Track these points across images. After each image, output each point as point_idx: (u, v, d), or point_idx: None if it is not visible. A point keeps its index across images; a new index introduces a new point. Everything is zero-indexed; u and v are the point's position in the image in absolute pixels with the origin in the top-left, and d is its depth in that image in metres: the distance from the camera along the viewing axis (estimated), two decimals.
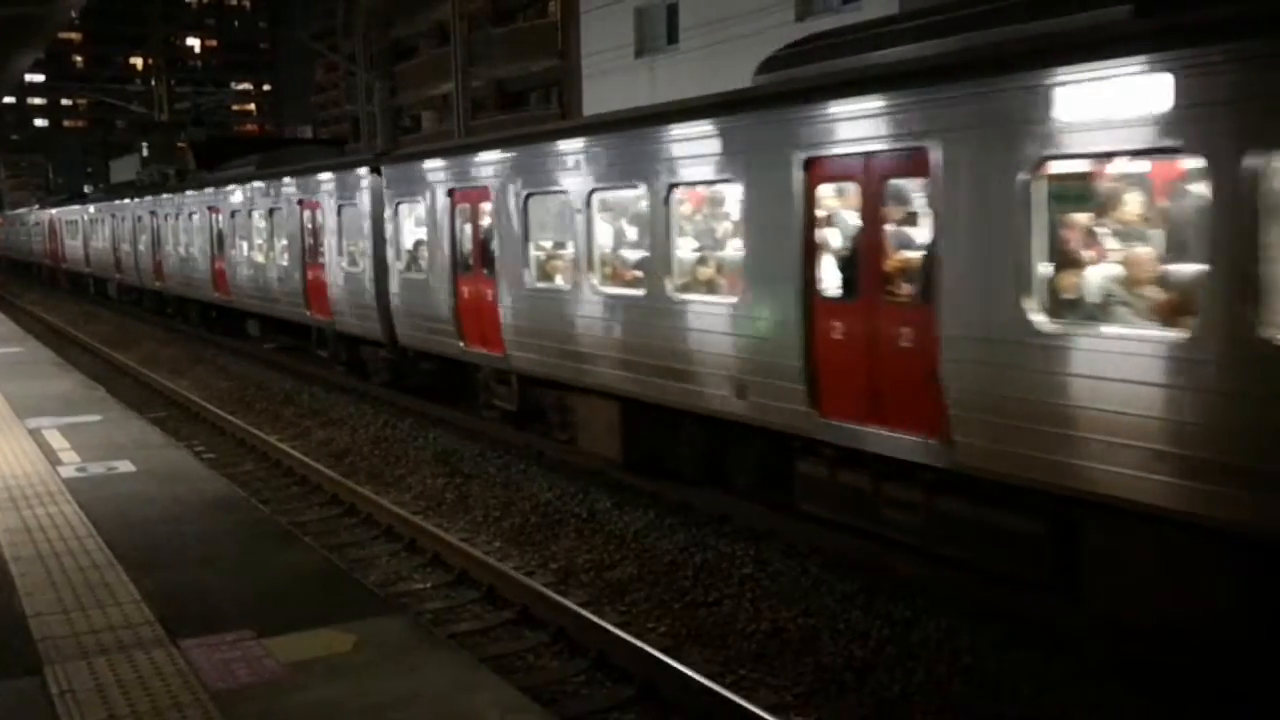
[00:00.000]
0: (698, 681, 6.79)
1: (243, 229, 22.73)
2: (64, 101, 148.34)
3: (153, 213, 29.87)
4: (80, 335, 28.25)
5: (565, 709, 6.74)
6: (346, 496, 11.71)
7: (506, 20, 45.82)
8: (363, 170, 16.74)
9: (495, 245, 12.98)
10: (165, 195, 29.04)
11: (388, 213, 15.86)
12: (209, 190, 25.05)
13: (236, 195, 23.00)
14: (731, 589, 8.60)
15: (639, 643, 7.43)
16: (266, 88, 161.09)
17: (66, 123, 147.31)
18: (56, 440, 11.11)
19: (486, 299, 13.24)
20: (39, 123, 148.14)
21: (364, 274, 16.71)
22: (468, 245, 13.88)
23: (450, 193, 13.94)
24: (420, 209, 14.99)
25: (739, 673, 7.30)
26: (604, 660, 7.45)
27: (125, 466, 9.97)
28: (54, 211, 48.00)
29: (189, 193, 26.73)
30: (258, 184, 21.93)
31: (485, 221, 13.37)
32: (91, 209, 39.30)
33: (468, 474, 12.42)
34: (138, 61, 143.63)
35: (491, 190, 12.95)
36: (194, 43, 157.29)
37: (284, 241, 20.29)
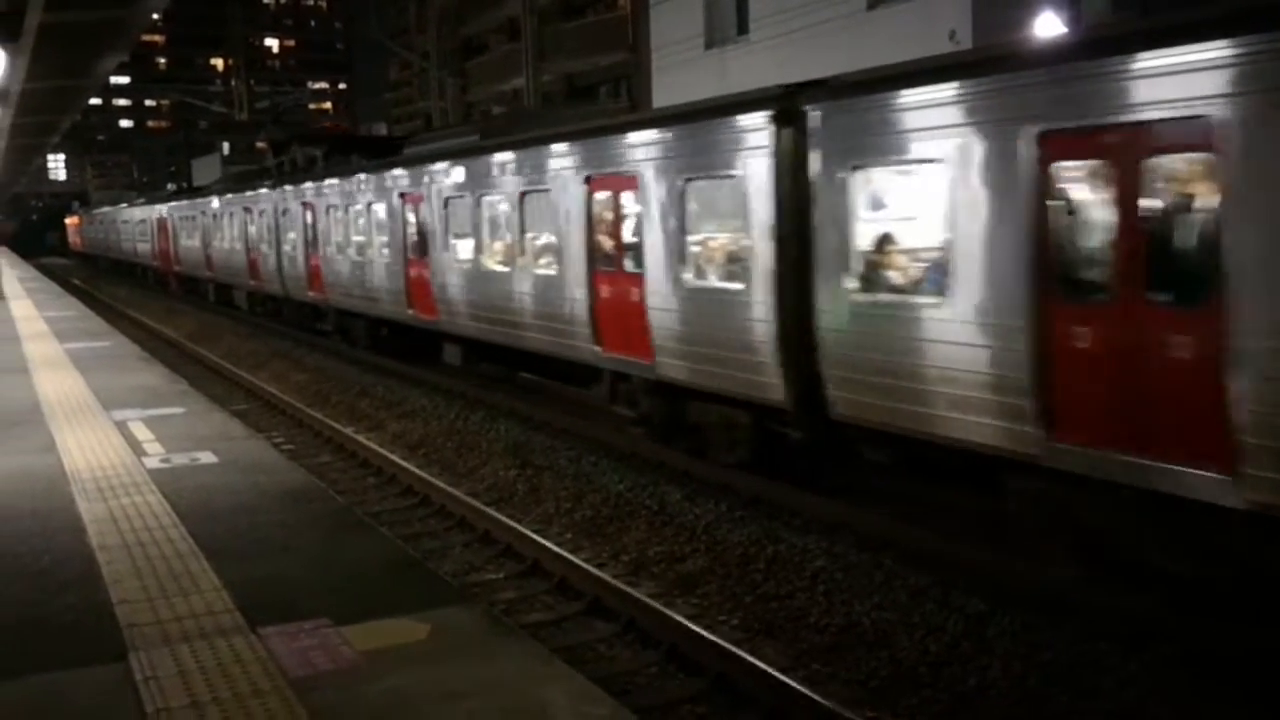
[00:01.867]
0: (770, 675, 6.76)
1: (462, 224, 16.51)
2: (148, 103, 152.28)
3: (305, 204, 23.64)
4: (164, 330, 28.97)
5: (637, 700, 6.73)
6: (421, 488, 11.86)
7: (576, 15, 46.05)
8: (755, 119, 10.10)
9: (1233, 245, 6.43)
10: (325, 181, 22.54)
11: (819, 188, 9.52)
12: (398, 171, 18.71)
13: (451, 176, 16.64)
14: (804, 582, 8.54)
15: (711, 635, 7.42)
16: (342, 86, 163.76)
17: (150, 123, 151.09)
18: (141, 432, 11.37)
19: (1178, 355, 6.76)
20: (124, 124, 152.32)
21: (743, 293, 10.42)
22: (1089, 244, 7.51)
23: (1010, 143, 7.60)
24: (914, 178, 8.99)
25: (812, 666, 7.25)
26: (675, 652, 7.45)
27: (207, 458, 10.18)
28: (165, 207, 40.83)
29: (365, 175, 20.16)
30: (494, 159, 15.28)
31: (1161, 196, 7.09)
32: (215, 202, 32.27)
33: (539, 465, 12.50)
34: (218, 62, 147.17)
35: (1219, 126, 6.37)
36: (272, 43, 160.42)
37: (546, 242, 14.17)
